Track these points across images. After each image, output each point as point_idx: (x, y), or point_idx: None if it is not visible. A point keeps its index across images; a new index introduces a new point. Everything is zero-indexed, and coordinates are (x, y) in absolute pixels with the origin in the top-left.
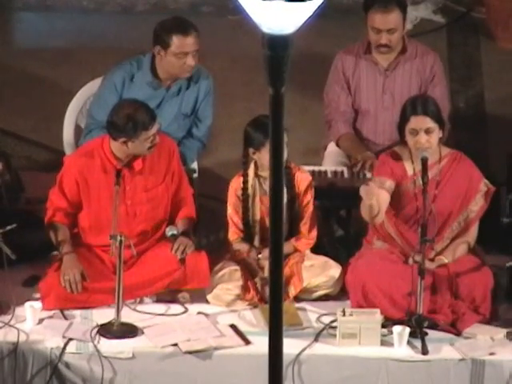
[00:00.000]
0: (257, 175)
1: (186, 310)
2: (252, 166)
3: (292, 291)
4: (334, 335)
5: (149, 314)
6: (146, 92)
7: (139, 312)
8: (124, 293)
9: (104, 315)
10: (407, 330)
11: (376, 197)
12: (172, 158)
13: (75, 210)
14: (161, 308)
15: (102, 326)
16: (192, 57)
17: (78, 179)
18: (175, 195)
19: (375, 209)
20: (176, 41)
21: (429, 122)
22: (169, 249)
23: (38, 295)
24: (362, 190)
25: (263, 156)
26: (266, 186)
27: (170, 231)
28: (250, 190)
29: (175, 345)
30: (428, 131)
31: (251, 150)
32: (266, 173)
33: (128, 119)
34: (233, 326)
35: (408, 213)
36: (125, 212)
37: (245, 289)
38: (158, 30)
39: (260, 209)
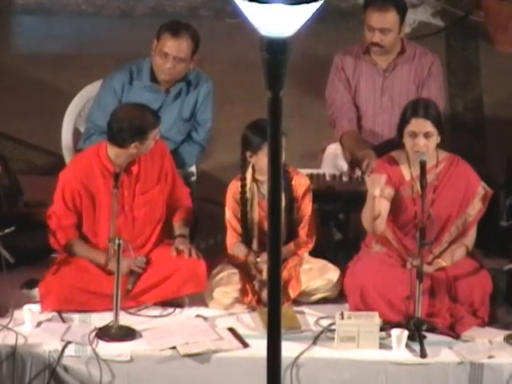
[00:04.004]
0: (254, 179)
1: (181, 310)
2: (250, 169)
3: (290, 294)
4: (333, 338)
5: (147, 316)
6: (145, 96)
7: (137, 315)
8: (128, 300)
9: (102, 318)
10: (406, 333)
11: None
12: (164, 158)
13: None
14: (159, 311)
15: (100, 329)
16: (171, 61)
17: (79, 190)
18: (170, 195)
19: (377, 209)
20: (163, 38)
21: (429, 126)
22: (168, 251)
23: (36, 298)
24: (368, 180)
25: (260, 159)
26: (264, 189)
27: (140, 261)
28: (248, 194)
29: (173, 348)
30: (427, 135)
31: (248, 154)
32: (263, 177)
33: (139, 123)
34: (231, 329)
35: (406, 218)
36: (124, 217)
37: (243, 292)
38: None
39: (258, 212)
